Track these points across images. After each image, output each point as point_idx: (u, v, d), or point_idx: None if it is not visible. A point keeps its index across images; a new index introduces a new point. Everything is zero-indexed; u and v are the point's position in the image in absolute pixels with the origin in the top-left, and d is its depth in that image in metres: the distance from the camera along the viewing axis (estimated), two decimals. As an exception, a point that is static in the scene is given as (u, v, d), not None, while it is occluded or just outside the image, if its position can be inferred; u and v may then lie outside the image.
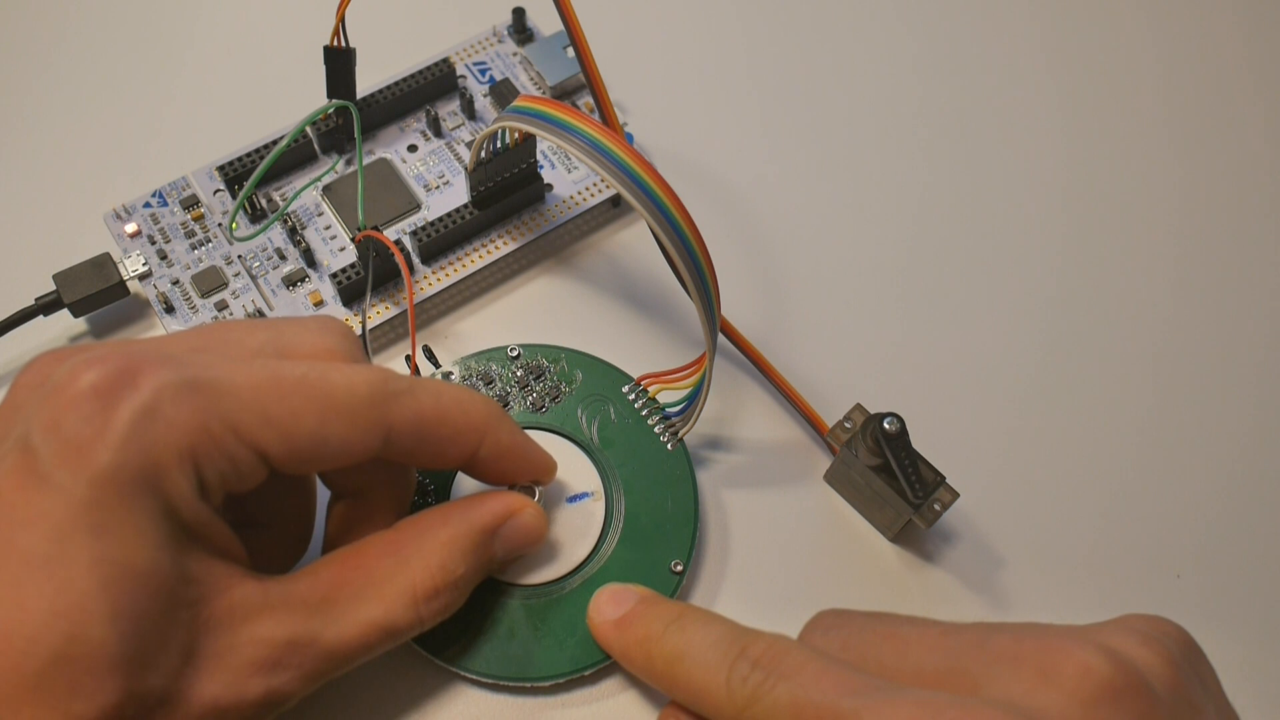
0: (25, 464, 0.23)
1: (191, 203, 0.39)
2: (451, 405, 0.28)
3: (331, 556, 0.28)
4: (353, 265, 0.36)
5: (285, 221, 0.38)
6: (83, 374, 0.23)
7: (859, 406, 0.33)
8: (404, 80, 0.40)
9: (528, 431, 0.33)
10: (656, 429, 0.34)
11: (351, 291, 0.37)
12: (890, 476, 0.32)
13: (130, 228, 0.38)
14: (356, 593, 0.27)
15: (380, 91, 0.40)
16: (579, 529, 0.32)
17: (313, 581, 0.26)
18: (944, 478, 0.32)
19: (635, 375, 0.35)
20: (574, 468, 0.33)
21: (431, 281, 0.37)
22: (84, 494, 0.22)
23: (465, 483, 0.33)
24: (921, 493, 0.31)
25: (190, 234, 0.38)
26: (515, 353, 0.36)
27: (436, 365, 0.36)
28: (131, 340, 0.26)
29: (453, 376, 0.35)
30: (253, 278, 0.37)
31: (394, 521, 0.29)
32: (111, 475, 0.23)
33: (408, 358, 0.35)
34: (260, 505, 0.29)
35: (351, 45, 0.36)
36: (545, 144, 0.40)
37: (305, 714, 0.29)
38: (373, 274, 0.36)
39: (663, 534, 0.33)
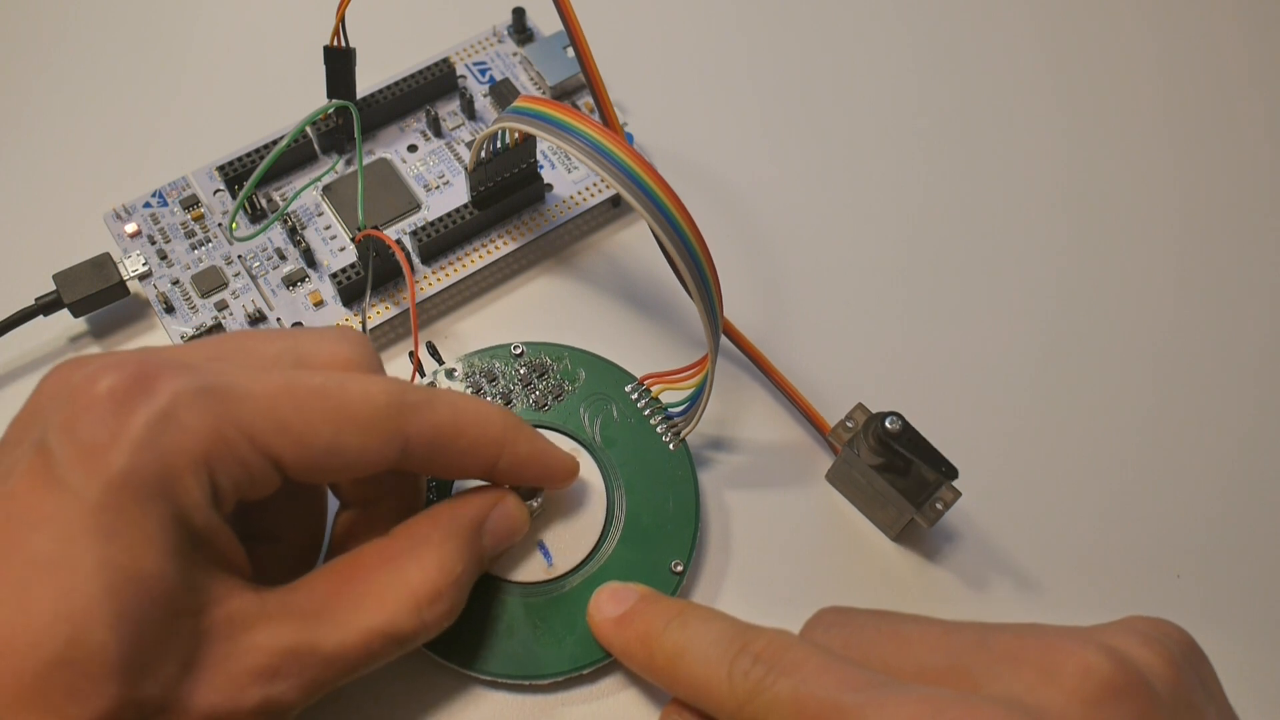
0: (41, 465, 0.23)
1: (191, 203, 0.38)
2: (468, 418, 0.28)
3: (327, 567, 0.28)
4: (353, 265, 0.36)
5: (285, 221, 0.38)
6: (100, 378, 0.23)
7: (860, 406, 0.33)
8: (404, 80, 0.40)
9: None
10: (659, 429, 0.34)
11: (351, 291, 0.37)
12: (896, 475, 0.32)
13: (130, 228, 0.38)
14: (355, 601, 0.26)
15: (380, 91, 0.40)
16: (580, 528, 0.32)
17: (309, 591, 0.26)
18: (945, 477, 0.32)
19: (637, 375, 0.35)
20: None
21: (431, 281, 0.37)
22: (96, 497, 0.22)
23: (467, 482, 0.33)
24: (950, 469, 0.31)
25: (190, 234, 0.38)
26: (519, 350, 0.36)
27: (440, 362, 0.36)
28: (150, 348, 0.26)
29: (456, 373, 0.35)
30: (253, 278, 0.37)
31: None
32: (124, 479, 0.23)
33: (411, 354, 0.35)
34: (272, 518, 0.29)
35: (351, 45, 0.36)
36: (545, 144, 0.40)
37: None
38: (373, 274, 0.36)
39: (664, 534, 0.33)
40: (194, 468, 0.24)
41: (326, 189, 0.39)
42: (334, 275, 0.36)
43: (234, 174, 0.38)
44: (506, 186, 0.38)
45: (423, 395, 0.27)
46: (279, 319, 0.37)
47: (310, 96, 0.39)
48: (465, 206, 0.38)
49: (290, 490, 0.27)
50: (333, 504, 0.31)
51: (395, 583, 0.27)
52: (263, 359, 0.27)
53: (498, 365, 0.35)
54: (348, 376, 0.26)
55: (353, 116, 0.37)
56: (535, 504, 0.31)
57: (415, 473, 0.29)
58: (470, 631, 0.31)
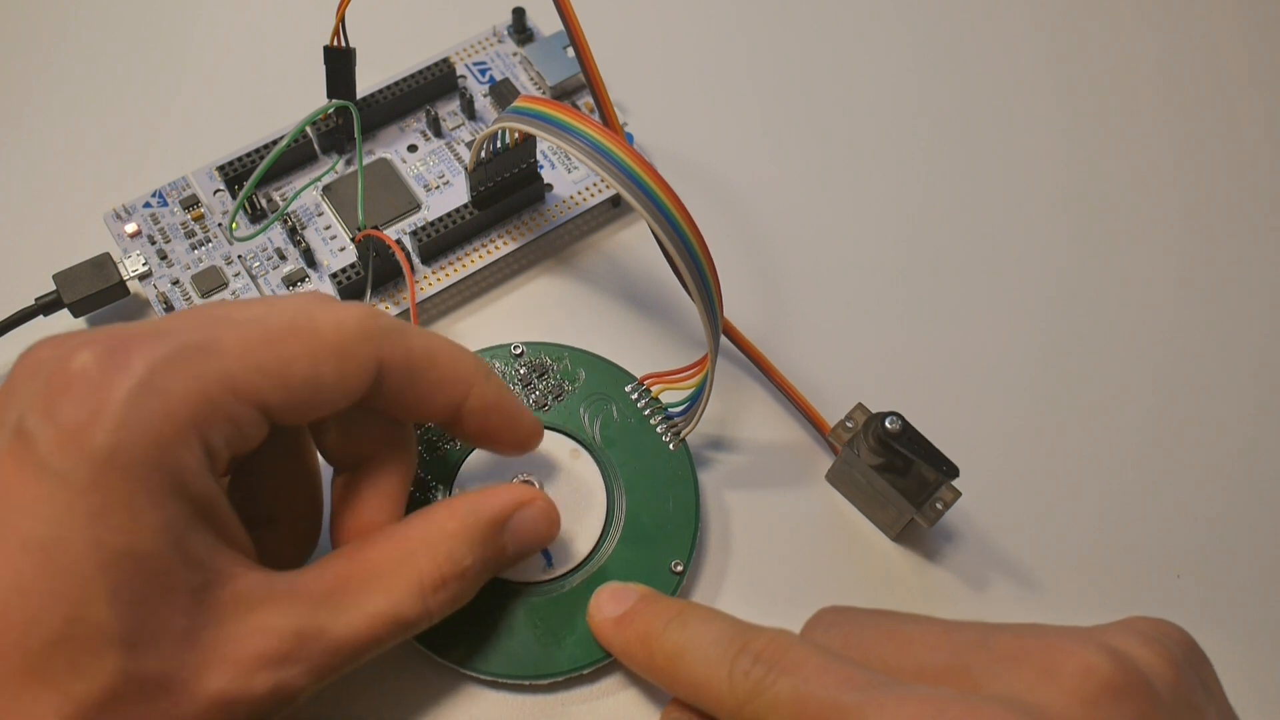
0: (21, 450, 0.23)
1: (191, 203, 0.39)
2: (441, 350, 0.28)
3: (337, 552, 0.28)
4: (353, 265, 0.36)
5: (285, 221, 0.38)
6: (74, 355, 0.23)
7: (860, 406, 0.33)
8: (404, 80, 0.40)
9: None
10: (659, 429, 0.34)
11: (351, 291, 0.37)
12: (896, 475, 0.32)
13: (130, 228, 0.38)
14: (363, 585, 0.26)
15: (380, 91, 0.40)
16: (580, 527, 0.32)
17: (318, 574, 0.26)
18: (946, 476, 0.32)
19: (637, 375, 0.35)
20: (577, 467, 0.33)
21: (431, 281, 0.37)
22: (82, 479, 0.22)
23: (469, 474, 0.33)
24: (951, 468, 0.31)
25: (190, 234, 0.38)
26: (519, 350, 0.36)
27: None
28: (122, 323, 0.26)
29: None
30: (253, 278, 0.37)
31: (399, 493, 0.29)
32: (109, 457, 0.22)
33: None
34: (266, 498, 0.29)
35: (351, 45, 0.36)
36: (545, 144, 0.40)
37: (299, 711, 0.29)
38: (373, 274, 0.36)
39: (664, 534, 0.33)
40: (183, 433, 0.23)
41: (326, 189, 0.39)
42: (334, 275, 0.36)
43: (234, 174, 0.38)
44: (506, 186, 0.38)
45: (395, 323, 0.27)
46: (279, 319, 0.37)
47: (310, 96, 0.39)
48: (465, 206, 0.38)
49: (281, 467, 0.27)
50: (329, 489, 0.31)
51: (403, 568, 0.27)
52: (235, 321, 0.26)
53: (498, 365, 0.35)
54: (317, 308, 0.26)
55: (353, 116, 0.37)
56: None
57: (391, 416, 0.29)
58: (470, 631, 0.31)
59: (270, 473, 0.28)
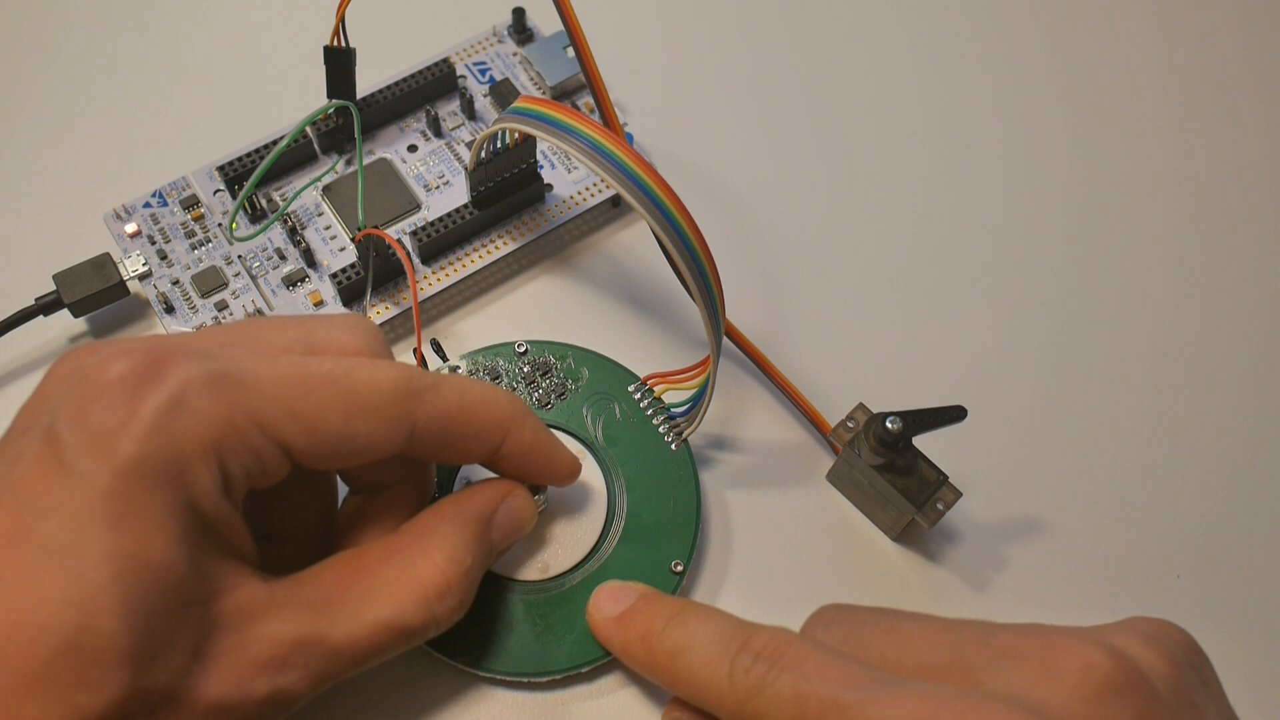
0: (50, 452, 0.23)
1: (191, 203, 0.39)
2: (476, 402, 0.28)
3: (333, 560, 0.27)
4: (353, 265, 0.36)
5: (285, 221, 0.38)
6: (111, 365, 0.23)
7: (861, 406, 0.33)
8: (404, 80, 0.40)
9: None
10: (661, 429, 0.34)
11: (351, 291, 0.37)
12: (897, 475, 0.32)
13: (130, 228, 0.38)
14: (363, 594, 0.26)
15: (380, 91, 0.40)
16: (581, 526, 0.32)
17: (317, 583, 0.26)
18: (946, 477, 0.32)
19: (638, 374, 0.35)
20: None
21: (431, 282, 0.37)
22: (106, 484, 0.22)
23: (470, 472, 0.33)
24: (959, 411, 0.31)
25: (190, 234, 0.38)
26: (523, 349, 0.36)
27: (444, 359, 0.36)
28: (160, 335, 0.26)
29: (460, 371, 0.35)
30: (253, 278, 0.37)
31: (408, 519, 0.29)
32: (134, 466, 0.22)
33: (415, 351, 0.35)
34: (281, 518, 0.29)
35: (351, 45, 0.36)
36: (545, 144, 0.40)
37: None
38: (373, 274, 0.36)
39: (664, 533, 0.33)
40: (204, 455, 0.23)
41: (326, 189, 0.39)
42: (334, 275, 0.36)
43: (234, 174, 0.38)
44: (506, 186, 0.38)
45: (429, 380, 0.27)
46: (279, 319, 0.37)
47: (310, 96, 0.39)
48: (465, 206, 0.38)
49: (299, 490, 0.27)
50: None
51: (403, 576, 0.27)
52: (274, 347, 0.27)
53: (501, 363, 0.35)
54: (356, 363, 0.26)
55: (353, 116, 0.37)
56: (540, 499, 0.31)
57: (423, 460, 0.29)
58: (470, 629, 0.31)
59: (288, 492, 0.28)
